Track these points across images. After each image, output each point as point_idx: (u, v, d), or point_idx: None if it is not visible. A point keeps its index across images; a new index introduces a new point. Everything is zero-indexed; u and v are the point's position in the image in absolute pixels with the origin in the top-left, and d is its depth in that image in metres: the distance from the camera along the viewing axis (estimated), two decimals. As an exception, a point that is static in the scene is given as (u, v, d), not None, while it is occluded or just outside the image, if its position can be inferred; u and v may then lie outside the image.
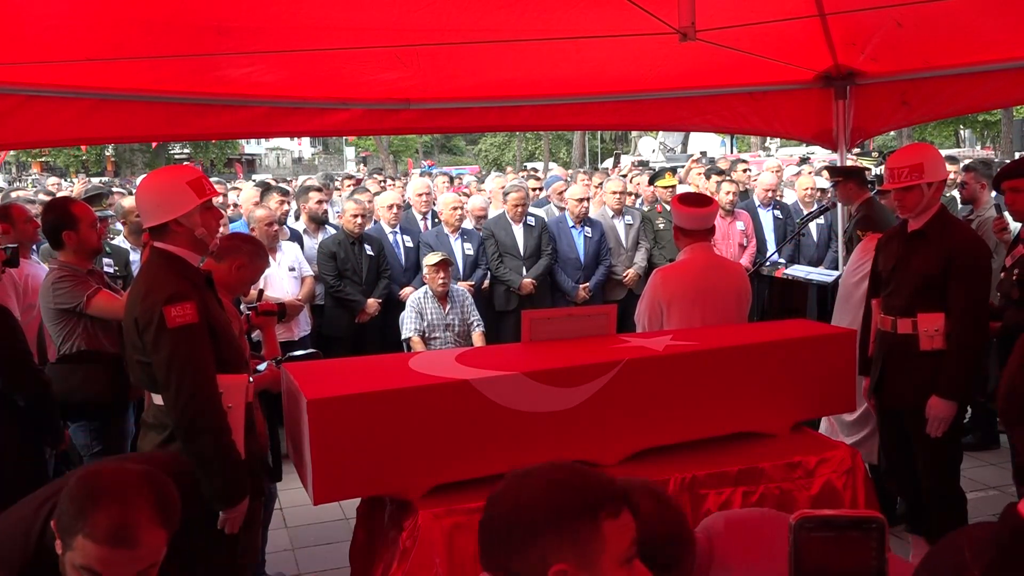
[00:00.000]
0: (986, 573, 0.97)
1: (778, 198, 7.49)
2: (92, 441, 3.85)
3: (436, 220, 6.68)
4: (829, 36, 4.52)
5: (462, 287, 5.79)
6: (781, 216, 7.12)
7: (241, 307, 3.99)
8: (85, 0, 3.29)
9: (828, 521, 1.03)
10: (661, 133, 25.85)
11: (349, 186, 9.42)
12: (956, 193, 6.30)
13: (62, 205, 3.87)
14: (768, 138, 25.42)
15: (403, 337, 5.48)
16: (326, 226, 6.27)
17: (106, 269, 4.85)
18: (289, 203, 6.49)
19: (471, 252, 6.24)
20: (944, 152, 6.50)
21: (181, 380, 2.51)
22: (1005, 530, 0.98)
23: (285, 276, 5.51)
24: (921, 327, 3.46)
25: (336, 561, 3.98)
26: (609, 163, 27.08)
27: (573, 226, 6.51)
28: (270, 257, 5.43)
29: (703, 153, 19.75)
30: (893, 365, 3.59)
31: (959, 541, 1.05)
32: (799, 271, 5.69)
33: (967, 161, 7.55)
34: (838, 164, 5.62)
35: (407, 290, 5.93)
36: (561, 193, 7.37)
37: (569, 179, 9.93)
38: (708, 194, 7.00)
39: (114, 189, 11.04)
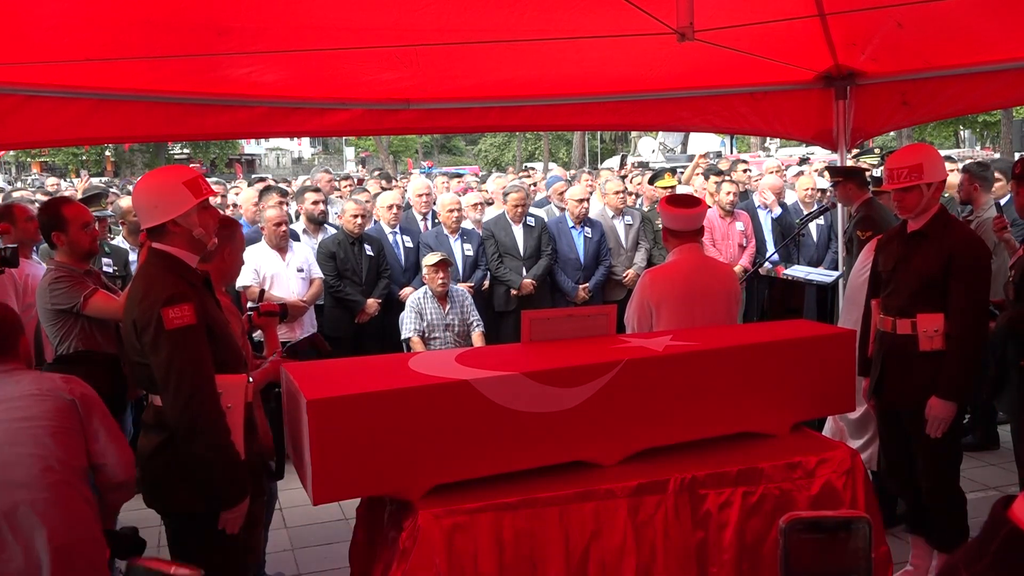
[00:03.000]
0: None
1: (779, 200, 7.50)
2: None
3: (436, 220, 6.68)
4: (829, 36, 4.52)
5: (462, 287, 5.79)
6: (779, 216, 7.13)
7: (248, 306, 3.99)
8: (85, 0, 3.29)
9: (816, 523, 1.04)
10: (661, 133, 25.89)
11: (347, 187, 9.42)
12: (954, 194, 6.29)
13: (54, 206, 3.86)
14: (768, 138, 25.43)
15: (403, 337, 5.48)
16: (326, 226, 6.27)
17: (105, 269, 4.85)
18: (288, 204, 6.50)
19: (471, 253, 6.24)
20: (944, 152, 6.49)
21: (180, 381, 2.51)
22: (996, 537, 0.98)
23: (293, 276, 5.51)
24: (920, 328, 3.46)
25: (336, 561, 3.98)
26: (609, 163, 27.09)
27: (573, 226, 6.51)
28: (279, 257, 5.45)
29: (709, 152, 19.71)
30: (893, 366, 3.59)
31: (957, 559, 1.04)
32: (799, 271, 5.69)
33: (965, 162, 7.54)
34: (838, 164, 5.63)
35: (407, 290, 5.93)
36: (561, 194, 7.38)
37: (571, 180, 9.94)
38: (707, 195, 7.04)
39: (112, 189, 11.06)
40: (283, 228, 5.50)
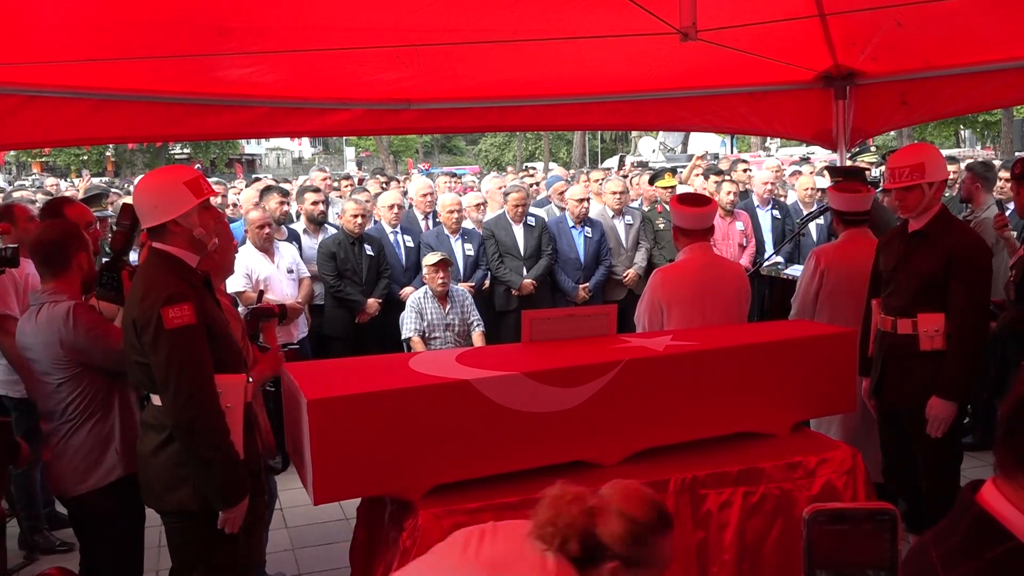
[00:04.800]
0: (944, 560, 0.99)
1: (777, 197, 7.49)
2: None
3: (437, 220, 6.68)
4: (829, 36, 4.52)
5: (462, 287, 5.79)
6: (780, 216, 7.12)
7: (239, 309, 3.98)
8: (86, 0, 3.29)
9: (841, 514, 1.04)
10: (661, 133, 25.86)
11: (347, 187, 9.41)
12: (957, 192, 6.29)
13: (57, 206, 3.86)
14: (768, 138, 25.42)
15: (403, 337, 5.48)
16: (326, 226, 6.27)
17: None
18: (289, 204, 6.49)
19: (471, 252, 6.24)
20: (944, 152, 6.49)
21: (179, 381, 2.51)
22: (964, 518, 1.00)
23: (284, 278, 5.50)
24: (921, 327, 3.46)
25: (336, 561, 3.98)
26: (609, 163, 27.08)
27: (573, 226, 6.50)
28: (268, 260, 5.43)
29: (706, 152, 19.69)
30: (893, 365, 3.59)
31: (926, 538, 1.06)
32: (799, 271, 5.68)
33: (968, 161, 7.52)
34: (838, 164, 5.62)
35: (407, 290, 5.93)
36: (562, 193, 7.37)
37: (571, 179, 9.92)
38: (707, 194, 7.04)
39: (112, 189, 11.07)
40: (266, 231, 5.46)
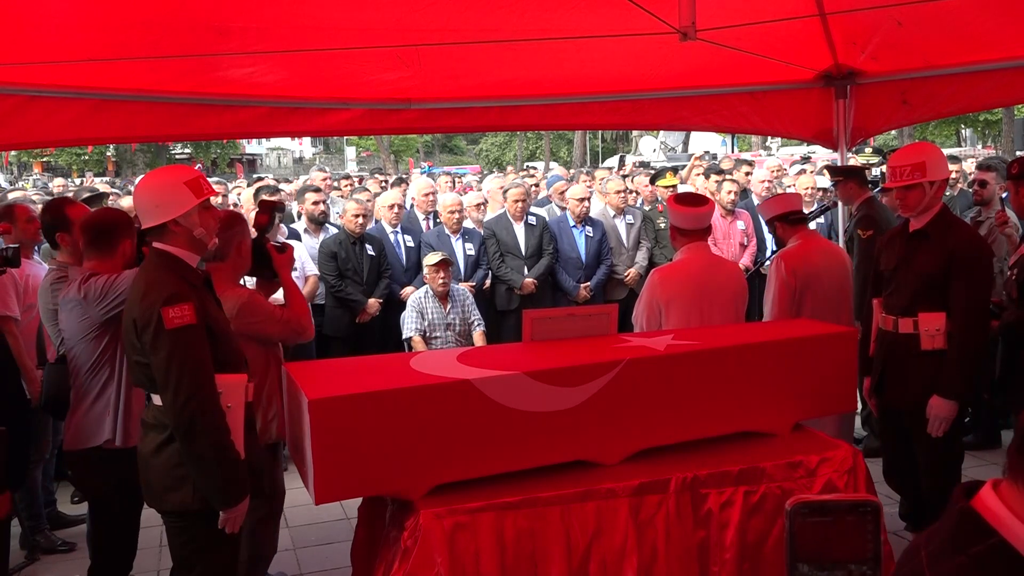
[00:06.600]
0: (931, 559, 0.99)
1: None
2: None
3: (438, 220, 6.68)
4: (829, 36, 4.53)
5: (463, 287, 5.79)
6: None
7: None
8: (87, 1, 3.29)
9: (823, 506, 1.04)
10: (662, 133, 25.88)
11: (348, 186, 9.41)
12: (966, 188, 6.22)
13: (58, 206, 3.86)
14: (769, 138, 25.42)
15: (404, 337, 5.48)
16: (327, 225, 6.27)
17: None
18: (287, 204, 6.49)
19: (472, 252, 6.24)
20: (945, 151, 6.47)
21: (180, 381, 2.51)
22: (951, 519, 1.00)
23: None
24: (922, 327, 3.46)
25: (337, 561, 3.99)
26: (610, 162, 27.09)
27: (574, 225, 6.51)
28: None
29: (706, 152, 19.69)
30: (894, 365, 3.59)
31: (919, 539, 1.06)
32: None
33: (975, 160, 7.47)
34: (839, 164, 5.62)
35: (408, 290, 5.93)
36: (562, 193, 7.37)
37: (571, 179, 9.90)
38: (708, 194, 7.04)
39: (112, 189, 11.07)
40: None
